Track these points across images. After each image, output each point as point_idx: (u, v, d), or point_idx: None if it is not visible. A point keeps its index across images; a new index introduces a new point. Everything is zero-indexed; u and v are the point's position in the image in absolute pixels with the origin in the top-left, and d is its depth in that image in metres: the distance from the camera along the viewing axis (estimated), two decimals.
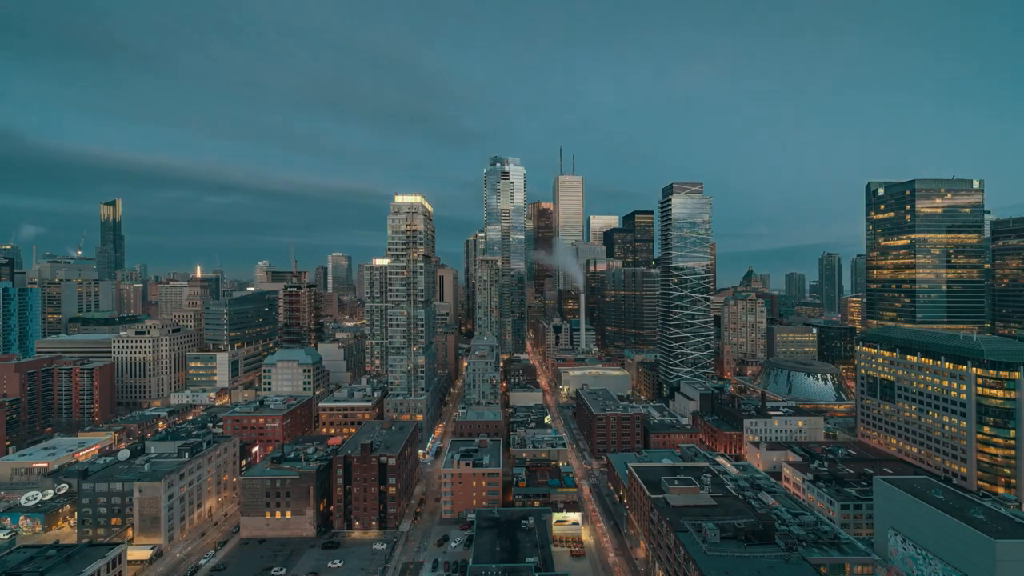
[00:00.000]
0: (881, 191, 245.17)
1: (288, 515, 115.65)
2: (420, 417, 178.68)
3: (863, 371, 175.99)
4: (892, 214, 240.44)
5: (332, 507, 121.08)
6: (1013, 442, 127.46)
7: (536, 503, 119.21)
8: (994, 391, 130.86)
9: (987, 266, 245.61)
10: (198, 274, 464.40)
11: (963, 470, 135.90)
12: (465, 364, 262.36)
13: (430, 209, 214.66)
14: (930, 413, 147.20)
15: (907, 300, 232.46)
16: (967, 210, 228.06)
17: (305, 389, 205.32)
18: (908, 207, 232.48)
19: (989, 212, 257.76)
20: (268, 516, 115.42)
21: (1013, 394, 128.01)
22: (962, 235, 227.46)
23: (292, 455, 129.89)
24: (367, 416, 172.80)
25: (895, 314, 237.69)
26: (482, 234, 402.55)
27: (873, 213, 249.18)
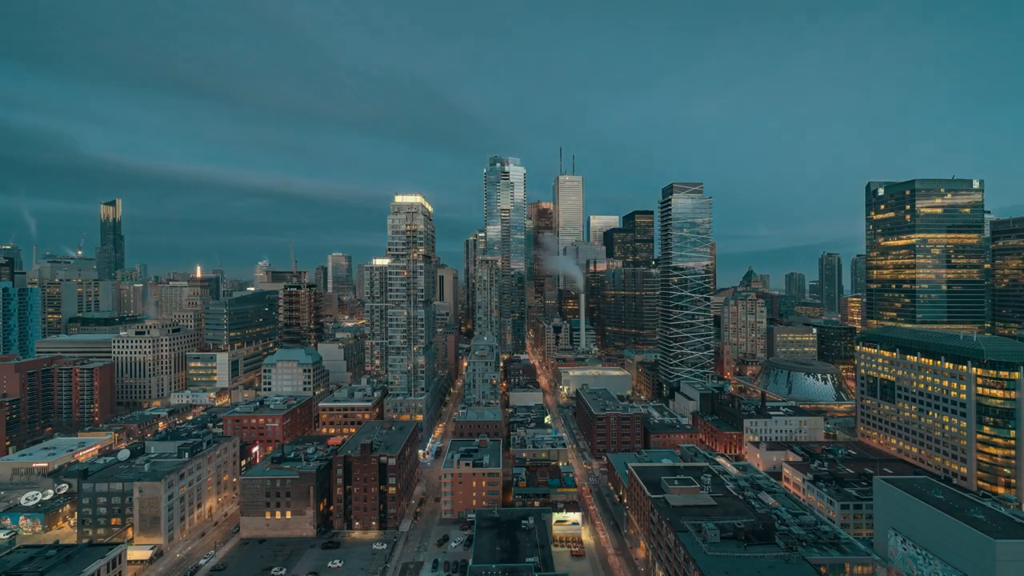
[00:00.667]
0: (881, 191, 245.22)
1: (288, 515, 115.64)
2: (420, 417, 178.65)
3: (863, 371, 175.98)
4: (892, 214, 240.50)
5: (332, 507, 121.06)
6: (1013, 442, 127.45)
7: (536, 503, 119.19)
8: (994, 391, 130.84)
9: (987, 266, 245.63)
10: (198, 274, 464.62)
11: (963, 470, 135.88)
12: (465, 364, 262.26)
13: (430, 209, 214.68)
14: (930, 413, 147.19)
15: (907, 300, 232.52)
16: (967, 210, 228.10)
17: (305, 389, 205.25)
18: (908, 207, 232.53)
19: (989, 212, 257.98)
20: (268, 516, 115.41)
21: (1013, 394, 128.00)
22: (962, 235, 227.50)
23: (292, 455, 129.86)
24: (367, 416, 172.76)
25: (895, 314, 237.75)
26: (482, 234, 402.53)
27: (873, 213, 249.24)
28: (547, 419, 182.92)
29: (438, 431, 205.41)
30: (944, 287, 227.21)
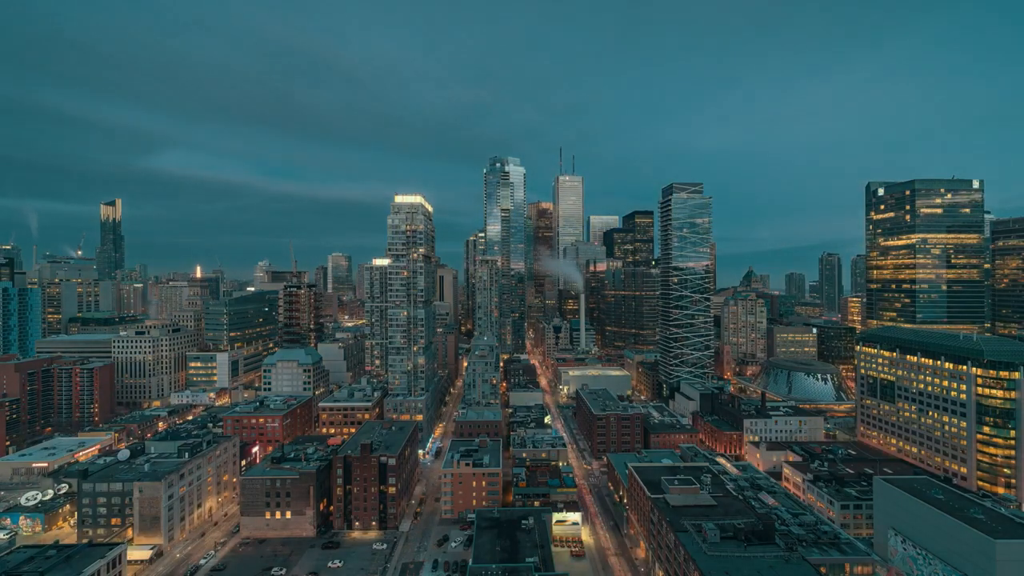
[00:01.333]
0: (881, 191, 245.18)
1: (288, 515, 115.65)
2: (420, 417, 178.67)
3: (863, 371, 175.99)
4: (892, 214, 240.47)
5: (332, 507, 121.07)
6: (1013, 442, 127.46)
7: (536, 503, 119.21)
8: (994, 391, 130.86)
9: (987, 266, 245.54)
10: (198, 274, 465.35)
11: (963, 470, 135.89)
12: (465, 364, 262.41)
13: (430, 209, 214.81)
14: (930, 413, 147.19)
15: (907, 300, 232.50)
16: (967, 210, 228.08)
17: (305, 389, 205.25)
18: (908, 207, 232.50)
19: (989, 212, 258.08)
20: (268, 516, 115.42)
21: (1013, 394, 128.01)
22: (962, 235, 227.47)
23: (292, 455, 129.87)
24: (367, 416, 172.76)
25: (895, 314, 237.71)
26: (482, 234, 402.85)
27: (873, 213, 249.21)
28: (547, 419, 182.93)
29: (438, 431, 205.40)
30: (944, 287, 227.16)
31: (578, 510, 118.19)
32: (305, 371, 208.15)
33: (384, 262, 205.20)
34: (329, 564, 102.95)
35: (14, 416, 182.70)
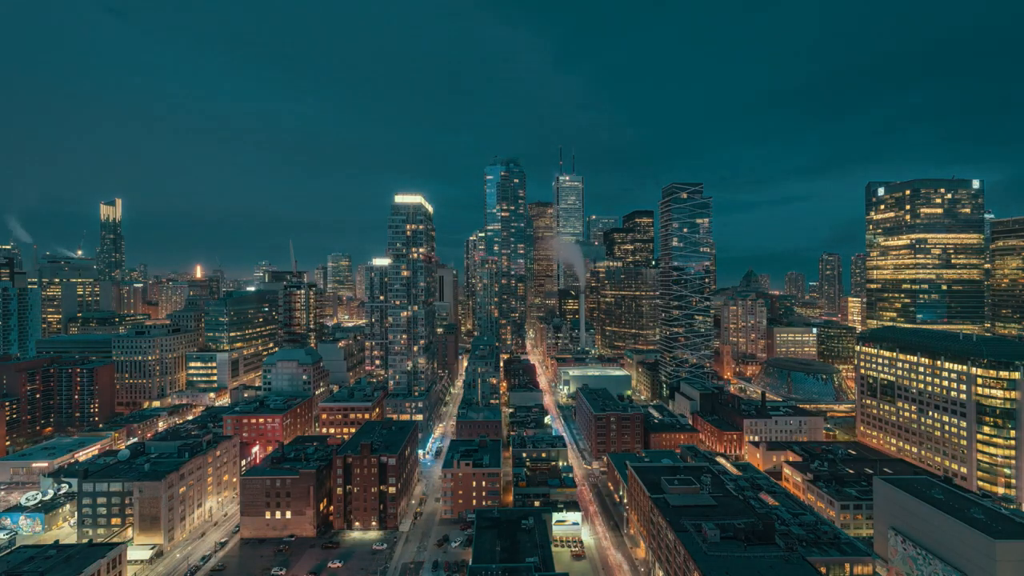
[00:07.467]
0: (881, 191, 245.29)
1: (288, 515, 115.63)
2: (420, 417, 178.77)
3: (863, 371, 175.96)
4: (892, 214, 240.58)
5: (332, 507, 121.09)
6: (1013, 442, 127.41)
7: (536, 503, 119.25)
8: (994, 391, 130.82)
9: (987, 266, 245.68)
10: (198, 274, 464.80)
11: (963, 470, 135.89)
12: (465, 364, 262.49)
13: (430, 209, 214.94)
14: (930, 413, 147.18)
15: (907, 300, 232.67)
16: (967, 210, 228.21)
17: (305, 389, 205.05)
18: (908, 207, 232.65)
19: (990, 212, 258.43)
20: (268, 516, 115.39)
21: (1013, 394, 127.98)
22: (962, 235, 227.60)
23: (292, 455, 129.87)
24: (367, 416, 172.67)
25: (895, 314, 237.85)
26: (482, 234, 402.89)
27: (873, 213, 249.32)
28: (547, 419, 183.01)
29: (438, 431, 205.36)
30: (944, 287, 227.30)
31: (578, 510, 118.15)
32: (305, 371, 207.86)
33: (384, 262, 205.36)
34: (329, 564, 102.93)
35: (14, 416, 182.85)
